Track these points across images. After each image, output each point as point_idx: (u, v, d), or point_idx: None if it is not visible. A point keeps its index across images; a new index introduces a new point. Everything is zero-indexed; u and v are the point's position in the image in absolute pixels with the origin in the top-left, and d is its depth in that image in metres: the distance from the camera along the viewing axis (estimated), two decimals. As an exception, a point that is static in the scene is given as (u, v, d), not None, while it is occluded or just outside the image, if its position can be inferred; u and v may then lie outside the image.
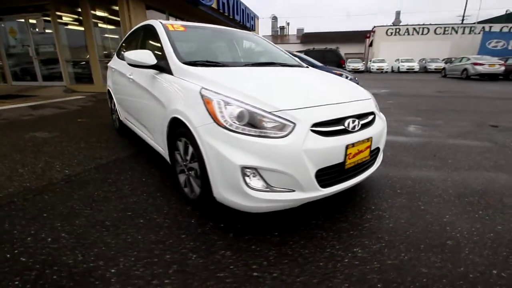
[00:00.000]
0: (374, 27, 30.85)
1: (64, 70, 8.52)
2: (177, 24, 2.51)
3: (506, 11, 29.47)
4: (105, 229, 1.66)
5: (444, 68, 17.99)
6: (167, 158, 2.19)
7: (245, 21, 14.27)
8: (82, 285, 1.25)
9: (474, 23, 27.96)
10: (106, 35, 8.10)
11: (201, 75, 1.80)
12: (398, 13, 37.09)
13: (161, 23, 2.45)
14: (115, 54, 3.77)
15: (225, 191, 1.50)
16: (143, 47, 2.87)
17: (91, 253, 1.45)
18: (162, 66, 2.06)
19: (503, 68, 14.06)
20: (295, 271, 1.32)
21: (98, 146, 3.30)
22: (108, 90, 3.83)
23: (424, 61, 24.73)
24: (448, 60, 21.23)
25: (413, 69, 23.17)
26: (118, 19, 7.58)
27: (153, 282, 1.26)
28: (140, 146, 3.25)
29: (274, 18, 37.56)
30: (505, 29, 24.49)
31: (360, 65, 24.81)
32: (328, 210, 1.86)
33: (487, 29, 25.17)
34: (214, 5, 10.30)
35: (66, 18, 8.30)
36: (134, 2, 7.38)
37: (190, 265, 1.36)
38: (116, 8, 7.53)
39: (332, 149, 1.53)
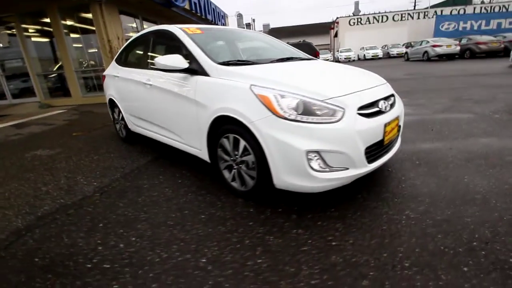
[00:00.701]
0: (337, 18, 32.05)
1: (37, 85, 8.00)
2: (193, 28, 2.58)
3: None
4: (172, 228, 1.73)
5: (406, 53, 19.25)
6: (205, 157, 2.27)
7: (216, 20, 14.22)
8: (183, 277, 1.33)
9: (427, 7, 30.14)
10: (80, 44, 7.72)
11: (243, 73, 1.92)
12: (357, 3, 38.73)
13: (179, 28, 2.49)
14: (114, 61, 3.69)
15: (288, 177, 1.65)
16: (156, 52, 2.89)
17: (173, 249, 1.53)
18: (195, 69, 2.13)
19: (458, 48, 15.40)
20: (367, 236, 1.50)
21: (112, 156, 3.25)
22: (110, 99, 3.75)
23: (386, 47, 26.22)
24: (408, 45, 22.71)
25: (378, 55, 24.50)
26: (92, 27, 7.26)
27: (247, 263, 1.38)
28: (156, 152, 3.26)
29: (240, 16, 37.55)
30: (454, 12, 26.66)
31: (329, 56, 25.73)
32: (366, 185, 2.07)
33: (438, 13, 27.23)
34: (187, 6, 10.18)
35: (34, 29, 7.78)
36: (108, 8, 7.11)
37: (272, 245, 1.50)
38: (88, 15, 7.20)
39: (375, 128, 1.73)
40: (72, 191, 2.40)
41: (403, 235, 1.49)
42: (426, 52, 16.34)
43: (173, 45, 2.52)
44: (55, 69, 8.08)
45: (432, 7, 30.15)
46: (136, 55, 3.34)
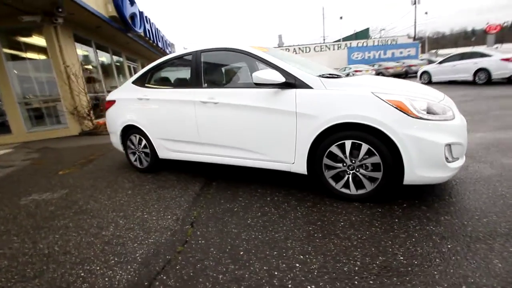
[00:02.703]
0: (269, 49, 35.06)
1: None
2: (258, 46, 2.62)
3: (354, 31, 39.50)
4: (320, 239, 1.68)
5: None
6: (299, 169, 2.27)
7: (165, 48, 13.94)
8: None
9: (339, 40, 35.97)
10: (27, 72, 6.49)
11: (351, 83, 2.10)
12: (280, 36, 43.27)
13: (250, 46, 2.51)
14: (131, 83, 3.32)
15: (423, 170, 1.83)
16: (209, 71, 2.80)
17: (356, 255, 1.50)
18: (293, 83, 2.18)
19: (374, 72, 18.78)
20: (456, 222, 1.78)
21: (148, 188, 2.86)
22: (127, 127, 3.30)
23: (314, 73, 29.76)
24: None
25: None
26: (38, 53, 6.24)
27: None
28: (199, 175, 3.03)
29: (185, 48, 37.37)
30: (360, 44, 32.56)
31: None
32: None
33: (348, 45, 32.79)
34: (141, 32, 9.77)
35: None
36: (64, 31, 6.29)
37: (438, 232, 1.63)
38: (38, 38, 6.22)
39: (466, 126, 2.09)
40: (150, 228, 2.03)
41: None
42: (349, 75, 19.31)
43: (241, 63, 2.51)
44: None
45: (344, 39, 36.13)
46: (179, 75, 3.11)
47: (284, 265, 1.50)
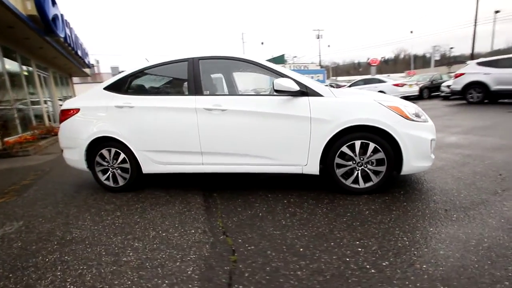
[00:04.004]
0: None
1: None
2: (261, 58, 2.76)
3: (272, 56, 44.08)
4: (360, 227, 1.90)
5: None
6: (311, 170, 2.47)
7: (84, 56, 12.27)
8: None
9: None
10: None
11: (353, 92, 2.45)
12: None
13: (255, 57, 2.62)
14: (106, 90, 2.89)
15: (416, 162, 2.29)
16: (207, 79, 2.74)
17: (398, 232, 1.77)
18: (305, 91, 2.40)
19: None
20: (447, 198, 2.38)
21: (156, 207, 2.53)
22: (96, 140, 2.82)
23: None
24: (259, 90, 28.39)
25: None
26: None
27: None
28: (191, 188, 2.89)
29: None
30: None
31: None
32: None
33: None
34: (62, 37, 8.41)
35: None
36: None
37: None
38: None
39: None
40: (180, 245, 1.83)
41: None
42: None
43: (249, 72, 2.60)
44: None
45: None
46: (173, 82, 2.87)
47: (348, 251, 1.63)
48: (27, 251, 1.87)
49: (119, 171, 2.91)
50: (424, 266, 1.45)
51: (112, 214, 2.40)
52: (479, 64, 8.64)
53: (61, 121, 3.07)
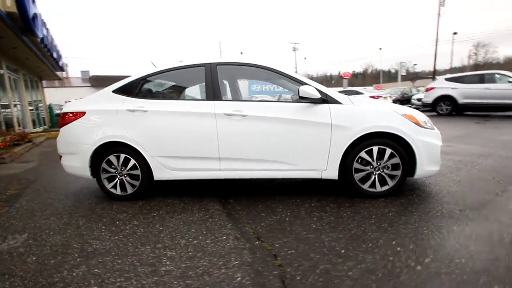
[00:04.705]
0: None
1: None
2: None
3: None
4: (390, 227, 2.00)
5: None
6: (330, 175, 2.55)
7: (58, 58, 11.54)
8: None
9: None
10: None
11: (368, 101, 2.58)
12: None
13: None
14: (117, 94, 2.76)
15: (428, 166, 2.46)
16: (224, 85, 2.73)
17: (426, 232, 1.87)
18: (325, 99, 2.49)
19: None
20: (454, 198, 2.59)
21: (175, 215, 2.42)
22: (103, 146, 2.68)
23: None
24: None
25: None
26: None
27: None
28: (204, 195, 2.84)
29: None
30: (257, 78, 36.97)
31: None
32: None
33: (247, 77, 36.60)
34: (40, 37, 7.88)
35: None
36: None
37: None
38: None
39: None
40: (217, 252, 1.79)
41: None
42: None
43: (268, 78, 2.64)
44: None
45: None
46: (188, 87, 2.81)
47: (389, 251, 1.69)
48: (46, 266, 1.70)
49: (128, 178, 2.76)
50: (463, 260, 1.56)
51: (130, 223, 2.26)
52: (447, 79, 9.51)
53: (61, 125, 2.87)
